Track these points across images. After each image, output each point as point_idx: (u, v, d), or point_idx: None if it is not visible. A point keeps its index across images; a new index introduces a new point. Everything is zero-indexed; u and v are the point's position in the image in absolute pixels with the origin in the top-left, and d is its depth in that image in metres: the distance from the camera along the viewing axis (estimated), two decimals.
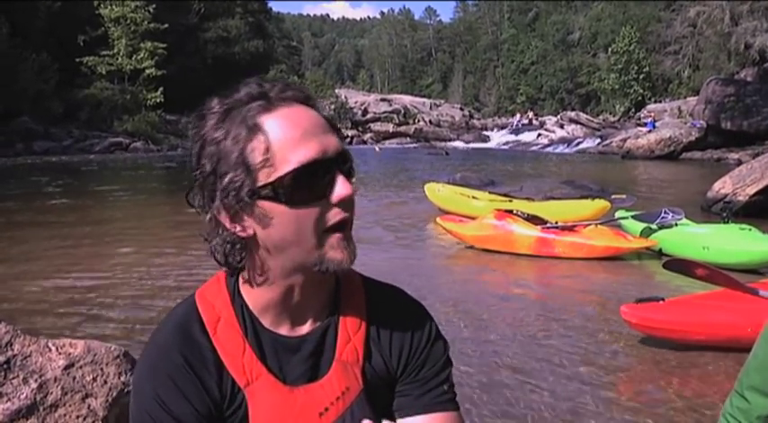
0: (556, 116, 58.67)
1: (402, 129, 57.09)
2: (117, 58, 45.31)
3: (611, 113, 61.79)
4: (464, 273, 8.76)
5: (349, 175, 1.07)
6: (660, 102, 53.15)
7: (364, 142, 52.63)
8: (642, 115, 46.40)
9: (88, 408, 2.63)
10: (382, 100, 64.43)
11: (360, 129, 56.31)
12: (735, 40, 30.22)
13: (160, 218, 13.71)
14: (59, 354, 2.71)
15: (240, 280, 1.15)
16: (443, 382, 1.22)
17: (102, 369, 2.73)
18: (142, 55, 45.86)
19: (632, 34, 61.70)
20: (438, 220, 10.43)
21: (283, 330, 1.14)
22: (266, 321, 1.14)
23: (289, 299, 1.12)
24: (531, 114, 63.90)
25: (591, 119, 53.08)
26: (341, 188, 1.04)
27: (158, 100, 45.17)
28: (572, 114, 54.01)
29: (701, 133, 32.82)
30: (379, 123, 58.29)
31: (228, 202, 1.03)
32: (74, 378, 2.67)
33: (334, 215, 1.05)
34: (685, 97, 47.28)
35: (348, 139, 50.91)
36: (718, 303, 5.53)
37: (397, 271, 7.89)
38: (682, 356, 5.44)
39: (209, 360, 1.09)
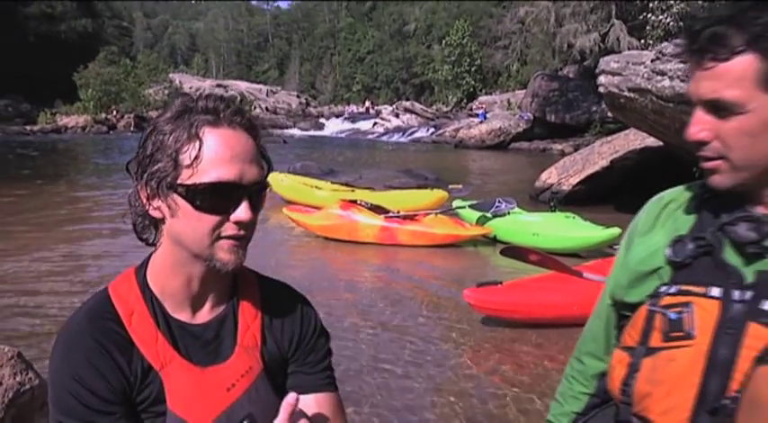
0: (391, 105, 59.71)
1: None
2: None
3: (443, 103, 63.77)
4: (312, 262, 8.95)
5: (257, 202, 1.27)
6: (491, 94, 55.49)
7: None
8: (474, 106, 48.22)
9: None
10: (218, 86, 63.20)
11: None
12: (559, 40, 32.17)
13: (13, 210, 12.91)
14: None
15: (149, 271, 1.33)
16: (327, 369, 1.46)
17: None
18: None
19: (465, 28, 63.98)
20: (284, 210, 10.57)
21: (185, 317, 1.32)
22: (170, 308, 1.31)
23: (189, 287, 1.30)
24: (368, 103, 64.80)
25: (425, 109, 54.51)
26: (241, 212, 1.23)
27: None
28: (407, 104, 55.17)
29: (529, 125, 34.79)
30: None
31: (151, 184, 1.22)
32: None
33: (229, 229, 1.24)
34: (514, 90, 49.66)
35: None
36: (548, 285, 6.09)
37: (246, 262, 7.94)
38: (518, 333, 5.96)
39: (120, 344, 1.23)
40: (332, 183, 14.12)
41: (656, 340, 1.35)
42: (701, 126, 1.29)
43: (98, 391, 1.20)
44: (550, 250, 7.91)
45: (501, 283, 6.16)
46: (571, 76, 36.68)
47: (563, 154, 22.95)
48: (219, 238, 1.24)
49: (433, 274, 8.40)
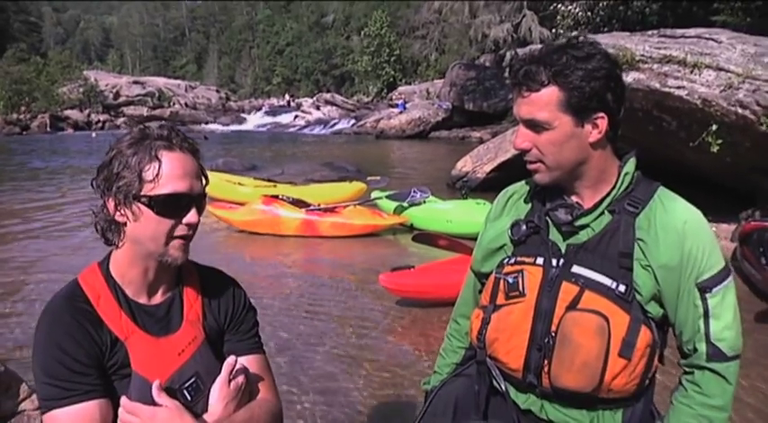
0: (312, 97, 59.70)
1: (157, 112, 54.56)
2: None
3: (364, 94, 64.10)
4: (237, 255, 9.21)
5: (201, 207, 1.68)
6: (410, 83, 56.04)
7: (117, 127, 48.38)
8: (394, 97, 48.59)
9: None
10: (135, 82, 62.09)
11: (112, 113, 53.42)
12: (474, 30, 32.96)
13: None
14: None
15: (111, 264, 1.71)
16: (255, 335, 1.91)
17: None
18: None
19: (383, 18, 64.36)
20: (208, 207, 10.76)
21: (143, 300, 1.71)
22: (130, 293, 1.70)
23: (145, 277, 1.70)
24: (288, 96, 64.68)
25: (346, 100, 54.73)
26: (191, 216, 1.65)
27: None
28: (327, 96, 55.23)
29: (448, 114, 35.47)
30: (132, 107, 55.86)
31: (118, 196, 1.57)
32: None
33: (181, 230, 1.65)
34: (433, 79, 50.27)
35: (100, 125, 48.45)
36: (455, 267, 6.58)
37: None
38: (428, 312, 6.50)
39: (92, 320, 1.58)
40: (254, 179, 14.36)
41: (500, 299, 1.86)
42: (522, 138, 1.79)
43: (78, 357, 1.55)
44: (463, 235, 8.43)
45: (413, 267, 6.68)
46: (488, 64, 37.34)
47: (481, 141, 23.48)
48: (173, 238, 1.63)
49: (352, 262, 8.87)
